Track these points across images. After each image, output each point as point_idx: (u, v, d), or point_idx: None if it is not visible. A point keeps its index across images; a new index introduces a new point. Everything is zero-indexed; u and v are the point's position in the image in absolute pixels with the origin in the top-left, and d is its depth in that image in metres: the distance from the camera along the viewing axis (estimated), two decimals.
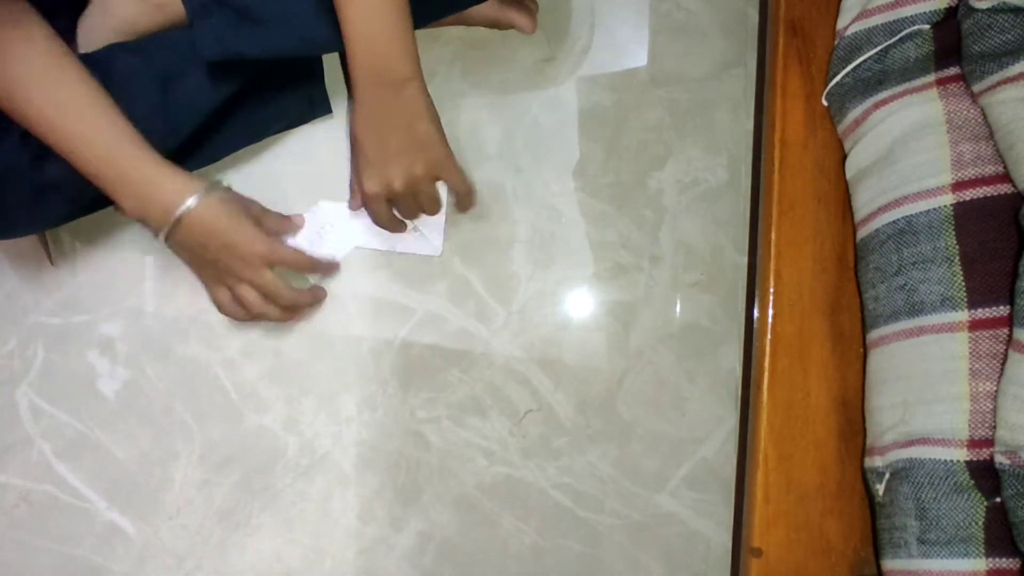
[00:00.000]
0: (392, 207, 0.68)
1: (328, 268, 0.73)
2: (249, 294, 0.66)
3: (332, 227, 0.73)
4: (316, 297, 0.72)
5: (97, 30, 0.64)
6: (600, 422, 0.76)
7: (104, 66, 0.60)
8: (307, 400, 0.75)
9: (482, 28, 0.78)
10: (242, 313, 0.67)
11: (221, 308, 0.68)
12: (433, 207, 0.70)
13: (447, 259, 0.76)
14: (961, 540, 0.51)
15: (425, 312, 0.76)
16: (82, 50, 0.63)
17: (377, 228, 0.71)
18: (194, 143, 0.69)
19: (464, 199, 0.71)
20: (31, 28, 0.56)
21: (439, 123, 0.65)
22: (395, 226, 0.70)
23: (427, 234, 0.74)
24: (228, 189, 0.67)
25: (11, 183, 0.60)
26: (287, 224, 0.71)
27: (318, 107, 0.75)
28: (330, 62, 0.76)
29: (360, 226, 0.73)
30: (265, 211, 0.70)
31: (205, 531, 0.74)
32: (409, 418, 0.76)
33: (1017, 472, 0.49)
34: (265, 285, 0.65)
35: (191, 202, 0.60)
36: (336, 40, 0.62)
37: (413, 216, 0.70)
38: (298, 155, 0.76)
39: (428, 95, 0.63)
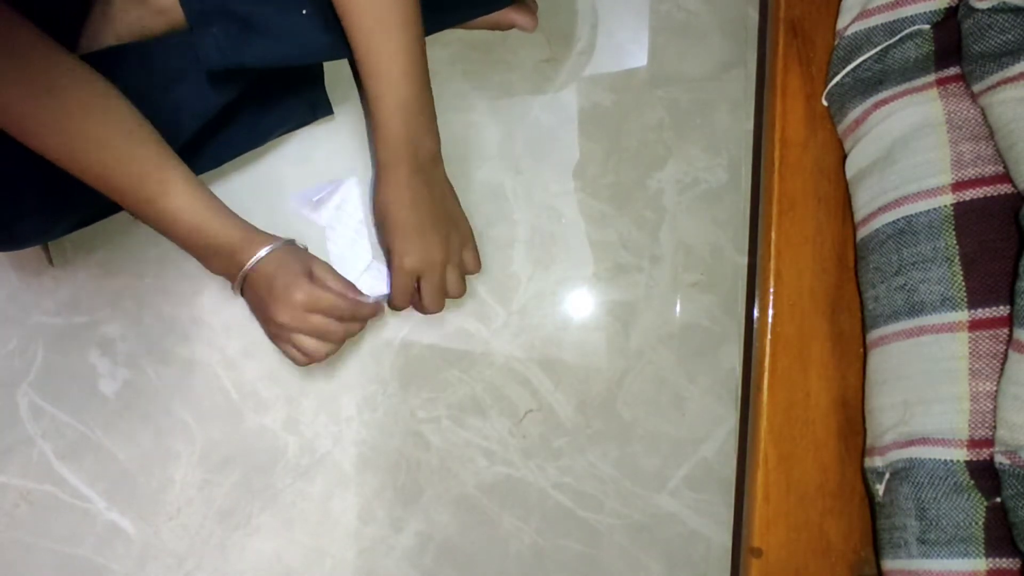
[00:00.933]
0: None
1: (371, 311, 0.69)
2: (306, 342, 0.65)
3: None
4: (373, 311, 0.69)
5: (100, 36, 0.64)
6: (600, 422, 0.76)
7: (104, 67, 0.60)
8: (307, 400, 0.75)
9: (483, 29, 0.78)
10: (309, 359, 0.66)
11: (295, 362, 0.67)
12: (459, 287, 0.69)
13: None
14: (961, 540, 0.51)
15: None
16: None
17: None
18: (197, 148, 0.69)
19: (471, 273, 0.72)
20: (109, 98, 0.58)
21: (458, 199, 0.69)
22: (408, 302, 0.69)
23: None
24: (293, 245, 0.66)
25: (20, 191, 0.60)
26: (347, 287, 0.68)
27: (319, 109, 0.75)
28: (329, 63, 0.76)
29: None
30: (328, 269, 0.67)
31: (205, 531, 0.74)
32: (409, 418, 0.76)
33: (1017, 472, 0.49)
34: (314, 329, 0.64)
35: (253, 260, 0.63)
36: (336, 48, 0.62)
37: (439, 297, 0.68)
38: (299, 158, 0.76)
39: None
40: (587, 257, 0.77)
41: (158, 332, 0.75)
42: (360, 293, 0.68)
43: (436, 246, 0.66)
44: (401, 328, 0.76)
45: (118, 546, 0.74)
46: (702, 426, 0.77)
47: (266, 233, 0.65)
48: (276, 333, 0.66)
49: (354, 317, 0.67)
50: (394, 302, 0.69)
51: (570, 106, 0.79)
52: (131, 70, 0.62)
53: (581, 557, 0.75)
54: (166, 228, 0.62)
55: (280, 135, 0.76)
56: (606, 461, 0.76)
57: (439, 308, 0.69)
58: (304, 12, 0.62)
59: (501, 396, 0.76)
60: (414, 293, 0.68)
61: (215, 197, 0.63)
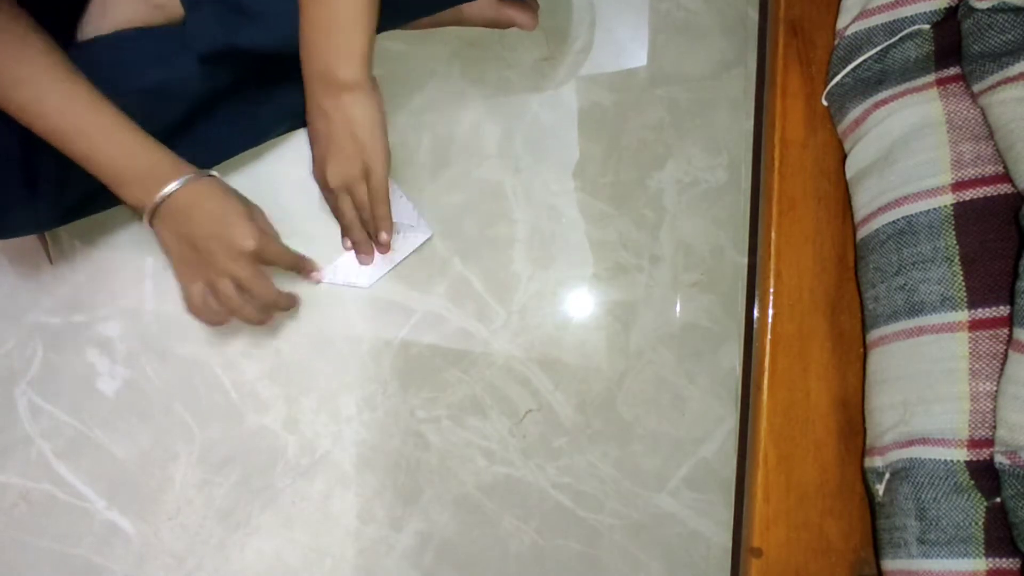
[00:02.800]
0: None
1: (310, 267, 0.73)
2: (227, 288, 0.63)
3: (346, 278, 0.76)
4: (292, 302, 0.69)
5: (97, 31, 0.64)
6: (600, 422, 0.76)
7: (96, 54, 0.60)
8: (307, 400, 0.75)
9: (482, 27, 0.78)
10: (212, 313, 0.65)
11: (191, 305, 0.65)
12: (380, 206, 0.68)
13: (447, 259, 0.76)
14: (961, 540, 0.51)
15: (425, 312, 0.76)
16: None
17: (373, 259, 0.75)
18: (195, 144, 0.68)
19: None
20: (19, 30, 0.56)
21: (381, 130, 0.64)
22: (344, 216, 0.70)
23: (407, 226, 0.75)
24: (219, 178, 0.65)
25: (3, 169, 0.60)
26: (294, 258, 0.70)
27: None
28: None
29: (356, 267, 0.75)
30: (259, 211, 0.68)
31: (205, 531, 0.74)
32: (409, 418, 0.76)
33: (1017, 472, 0.49)
34: (248, 279, 0.63)
35: (175, 185, 0.60)
36: None
37: (360, 209, 0.69)
38: (299, 158, 0.76)
39: (374, 102, 0.63)
40: (587, 257, 0.77)
41: (158, 332, 0.75)
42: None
43: (336, 169, 0.65)
44: (401, 328, 0.76)
45: (117, 545, 0.74)
46: (702, 426, 0.77)
47: (191, 165, 0.63)
48: (194, 272, 0.64)
49: (298, 267, 0.69)
50: (335, 214, 0.72)
51: (569, 105, 0.79)
52: (120, 56, 0.62)
53: (581, 557, 0.75)
54: (86, 153, 0.58)
55: (279, 134, 0.76)
56: (606, 461, 0.76)
57: (351, 218, 0.70)
58: None
59: (501, 396, 0.76)
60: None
61: (136, 127, 0.60)
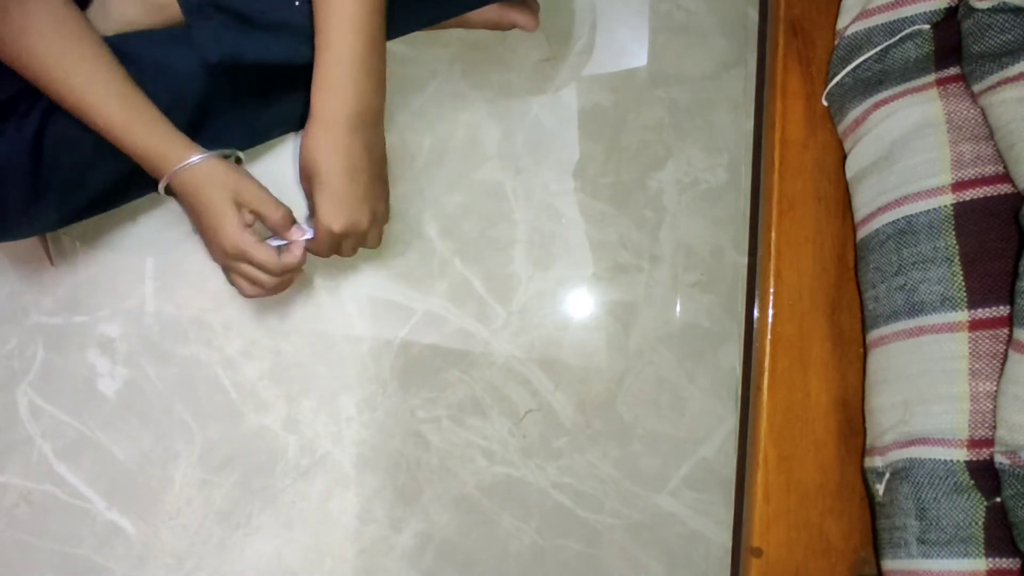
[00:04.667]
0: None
1: (300, 262, 0.67)
2: (240, 282, 0.65)
3: None
4: (301, 262, 0.66)
5: (98, 30, 0.64)
6: (600, 422, 0.76)
7: None
8: (307, 400, 0.75)
9: (483, 29, 0.78)
10: (241, 286, 0.66)
11: (241, 292, 0.66)
12: (376, 243, 0.67)
13: (447, 259, 0.77)
14: (961, 540, 0.51)
15: (425, 312, 0.76)
16: None
17: None
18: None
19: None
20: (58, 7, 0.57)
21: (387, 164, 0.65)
22: (328, 256, 0.67)
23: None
24: (216, 160, 0.63)
25: (10, 177, 0.60)
26: (285, 223, 0.66)
27: None
28: None
29: None
30: (265, 201, 0.64)
31: (205, 531, 0.74)
32: (409, 418, 0.76)
33: (1017, 472, 0.49)
34: (245, 274, 0.64)
35: (184, 164, 0.61)
36: None
37: (350, 254, 0.67)
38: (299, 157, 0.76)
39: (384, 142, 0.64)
40: (587, 257, 0.77)
41: (158, 332, 0.75)
42: (293, 223, 0.66)
43: (364, 216, 0.63)
44: (401, 328, 0.76)
45: (118, 546, 0.74)
46: (702, 426, 0.77)
47: (187, 145, 0.62)
48: (217, 261, 0.66)
49: (284, 271, 0.64)
50: (317, 253, 0.66)
51: (570, 106, 0.79)
52: (125, 61, 0.62)
53: (581, 557, 0.75)
54: (105, 134, 0.60)
55: (279, 135, 0.76)
56: (606, 461, 0.76)
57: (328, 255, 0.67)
58: (296, 3, 0.62)
59: (501, 396, 0.76)
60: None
61: (146, 106, 0.60)
